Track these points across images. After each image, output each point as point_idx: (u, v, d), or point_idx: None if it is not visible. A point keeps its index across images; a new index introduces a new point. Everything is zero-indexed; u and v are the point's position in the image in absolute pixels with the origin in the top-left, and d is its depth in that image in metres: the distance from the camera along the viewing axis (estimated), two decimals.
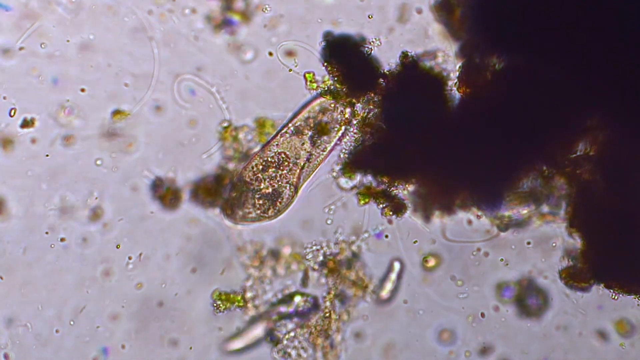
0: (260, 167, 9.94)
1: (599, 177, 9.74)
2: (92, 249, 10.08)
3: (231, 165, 10.01)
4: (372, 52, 9.89)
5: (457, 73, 9.84)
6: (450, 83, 9.87)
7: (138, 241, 10.09)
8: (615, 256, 9.76)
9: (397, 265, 10.08)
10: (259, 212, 9.96)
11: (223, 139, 9.94)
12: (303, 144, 9.96)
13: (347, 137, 9.96)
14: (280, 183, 9.95)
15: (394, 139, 9.82)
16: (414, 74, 9.89)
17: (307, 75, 9.98)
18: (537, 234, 10.06)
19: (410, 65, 9.89)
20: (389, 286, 10.09)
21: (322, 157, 10.01)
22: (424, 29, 10.01)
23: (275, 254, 10.07)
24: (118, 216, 10.06)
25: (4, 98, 9.95)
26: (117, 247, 9.94)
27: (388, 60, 9.92)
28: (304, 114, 9.99)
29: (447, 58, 9.89)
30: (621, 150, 9.70)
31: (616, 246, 9.74)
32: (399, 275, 10.09)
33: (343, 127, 9.95)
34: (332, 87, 9.92)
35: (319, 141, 9.91)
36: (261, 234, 10.09)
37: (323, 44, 9.91)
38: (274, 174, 9.96)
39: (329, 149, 10.00)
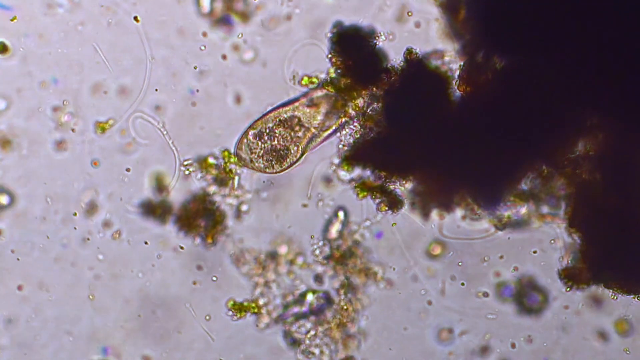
0: (271, 124, 9.90)
1: (599, 177, 9.73)
2: (92, 249, 10.14)
3: (213, 188, 10.04)
4: (379, 45, 9.86)
5: (458, 72, 9.83)
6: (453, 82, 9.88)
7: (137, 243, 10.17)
8: (615, 256, 9.75)
9: (341, 215, 10.08)
10: (264, 164, 9.92)
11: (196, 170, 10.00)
12: (316, 115, 9.94)
13: (347, 130, 9.94)
14: (289, 144, 9.91)
15: (393, 134, 9.81)
16: (418, 71, 9.87)
17: (302, 82, 9.99)
18: (536, 234, 10.09)
19: (414, 62, 9.87)
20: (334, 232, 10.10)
21: (327, 132, 9.98)
22: (428, 28, 10.01)
23: (273, 256, 10.09)
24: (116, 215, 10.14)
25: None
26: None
27: (396, 55, 9.90)
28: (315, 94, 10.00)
29: (454, 58, 9.88)
30: (621, 150, 9.68)
31: (616, 246, 9.73)
32: (343, 224, 10.10)
33: (343, 119, 9.94)
34: (334, 79, 9.91)
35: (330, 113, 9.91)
36: (255, 240, 10.12)
37: (331, 33, 9.88)
38: (285, 133, 9.92)
39: (330, 130, 9.99)
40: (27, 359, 10.13)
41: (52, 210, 10.04)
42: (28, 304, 10.11)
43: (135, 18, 9.86)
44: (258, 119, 9.95)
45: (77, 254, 10.09)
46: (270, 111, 9.94)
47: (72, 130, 9.95)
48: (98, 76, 10.00)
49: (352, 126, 9.92)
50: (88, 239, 10.06)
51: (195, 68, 9.87)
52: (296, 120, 9.90)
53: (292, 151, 9.91)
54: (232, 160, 9.97)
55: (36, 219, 10.04)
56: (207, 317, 10.09)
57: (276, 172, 9.97)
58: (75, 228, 10.03)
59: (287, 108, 9.94)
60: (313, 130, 9.90)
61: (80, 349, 10.15)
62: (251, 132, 9.92)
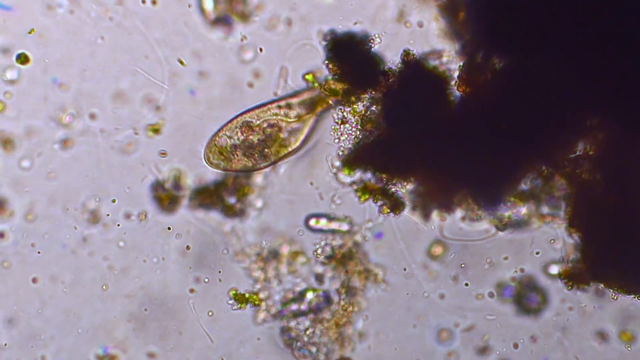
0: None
1: (599, 177, 9.72)
2: (92, 249, 10.18)
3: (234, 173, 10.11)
4: (374, 48, 9.86)
5: (458, 72, 9.82)
6: (452, 82, 9.87)
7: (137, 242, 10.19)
8: (615, 256, 9.74)
9: (344, 227, 10.11)
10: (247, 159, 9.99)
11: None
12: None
13: (345, 136, 9.96)
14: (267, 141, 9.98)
15: (393, 136, 9.82)
16: (416, 72, 9.87)
17: (306, 77, 10.00)
18: (536, 234, 10.09)
19: (412, 63, 9.87)
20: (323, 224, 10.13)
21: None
22: (429, 28, 10.01)
23: (275, 254, 10.12)
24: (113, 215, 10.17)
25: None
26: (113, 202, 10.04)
27: (393, 57, 9.91)
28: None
29: (452, 58, 9.88)
30: (621, 150, 9.67)
31: (616, 246, 9.72)
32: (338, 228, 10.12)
33: (316, 117, 9.97)
34: (332, 85, 9.93)
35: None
36: (258, 236, 10.15)
37: (325, 41, 9.90)
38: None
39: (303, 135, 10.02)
40: (34, 351, 10.16)
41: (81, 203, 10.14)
42: (40, 297, 10.15)
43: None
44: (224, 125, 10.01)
45: (97, 244, 10.15)
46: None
47: (116, 129, 10.00)
48: (101, 77, 10.07)
49: (349, 130, 9.94)
50: (118, 225, 10.10)
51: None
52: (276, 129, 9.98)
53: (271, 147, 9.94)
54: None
55: (67, 210, 10.09)
56: (210, 313, 10.14)
57: (262, 167, 9.99)
58: (108, 214, 10.08)
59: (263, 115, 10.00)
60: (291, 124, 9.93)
61: (86, 342, 10.19)
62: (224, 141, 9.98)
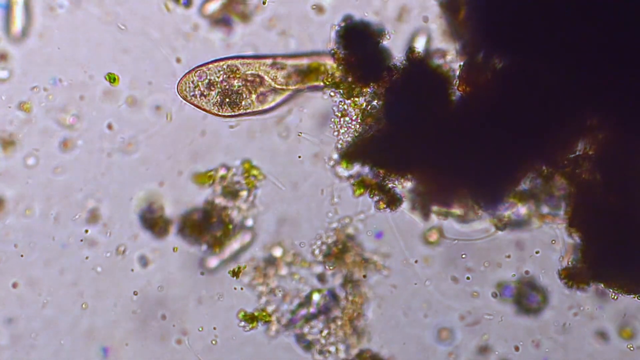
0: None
1: (599, 177, 9.73)
2: (92, 251, 10.18)
3: (219, 201, 10.06)
4: (384, 43, 9.85)
5: (458, 72, 9.84)
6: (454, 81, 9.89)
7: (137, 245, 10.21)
8: (615, 256, 9.74)
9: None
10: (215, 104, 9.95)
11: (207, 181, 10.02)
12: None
13: (345, 129, 9.95)
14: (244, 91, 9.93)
15: (393, 132, 9.82)
16: (420, 69, 9.88)
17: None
18: (537, 234, 10.09)
19: (416, 61, 9.87)
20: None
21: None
22: (433, 27, 10.04)
23: (271, 261, 10.12)
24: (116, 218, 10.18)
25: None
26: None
27: (399, 53, 9.92)
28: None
29: (455, 57, 9.89)
30: (621, 150, 9.68)
31: (616, 246, 9.72)
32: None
33: (291, 92, 9.96)
34: (336, 76, 9.92)
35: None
36: (249, 251, 10.17)
37: (339, 26, 9.89)
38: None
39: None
40: (27, 356, 10.19)
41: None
42: (21, 303, 10.15)
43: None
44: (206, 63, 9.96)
45: (79, 258, 10.15)
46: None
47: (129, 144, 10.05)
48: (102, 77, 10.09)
49: (349, 123, 9.94)
50: (87, 257, 10.09)
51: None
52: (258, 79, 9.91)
53: (246, 97, 9.87)
54: (253, 172, 10.00)
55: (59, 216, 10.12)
56: (215, 338, 10.17)
57: (227, 116, 9.93)
58: (86, 231, 10.08)
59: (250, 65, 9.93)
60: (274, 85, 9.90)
61: (80, 349, 10.21)
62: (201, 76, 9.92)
